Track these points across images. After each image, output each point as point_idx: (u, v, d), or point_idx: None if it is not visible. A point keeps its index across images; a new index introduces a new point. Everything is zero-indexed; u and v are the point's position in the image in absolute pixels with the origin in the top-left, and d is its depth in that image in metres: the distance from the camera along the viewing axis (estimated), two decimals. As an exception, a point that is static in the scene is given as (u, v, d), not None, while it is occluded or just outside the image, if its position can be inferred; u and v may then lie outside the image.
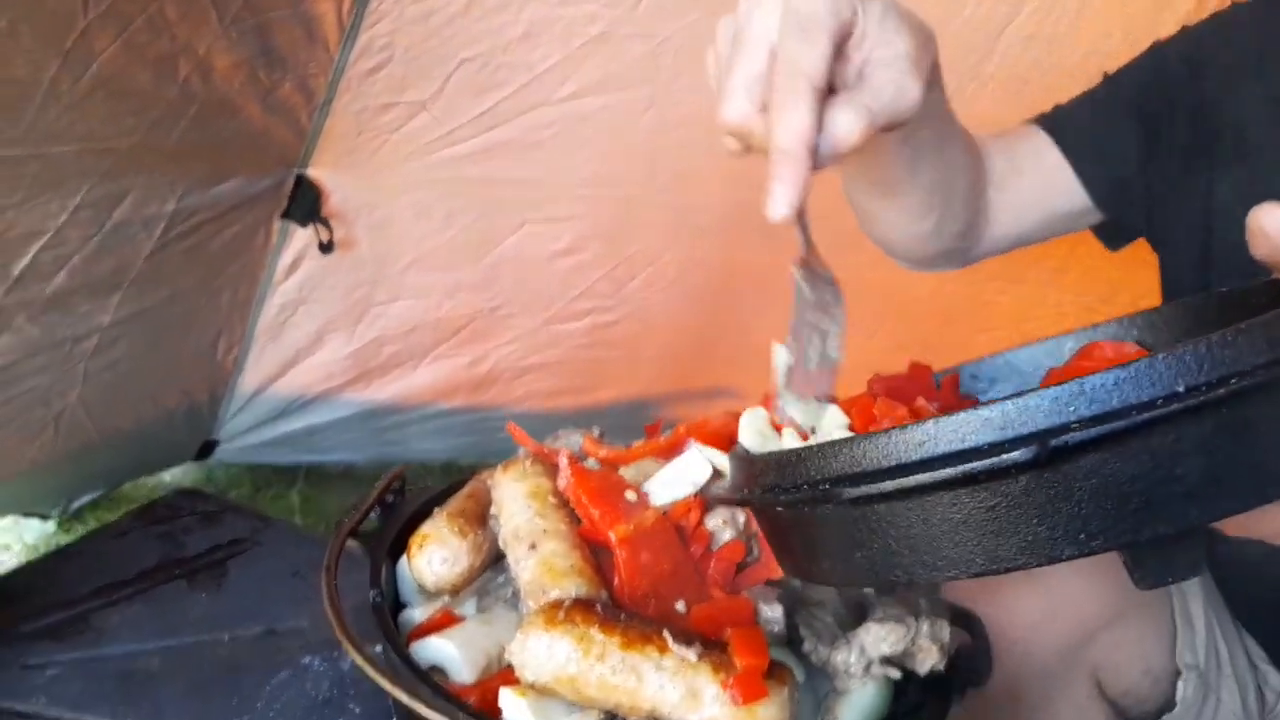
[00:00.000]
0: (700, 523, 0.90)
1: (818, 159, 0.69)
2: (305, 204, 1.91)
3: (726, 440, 0.95)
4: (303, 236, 1.98)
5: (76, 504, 2.33)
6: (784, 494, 0.60)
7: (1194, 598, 1.23)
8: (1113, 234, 1.27)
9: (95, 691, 1.24)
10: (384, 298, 2.13)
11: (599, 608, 0.77)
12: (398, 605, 0.94)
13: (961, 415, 0.50)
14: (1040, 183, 1.21)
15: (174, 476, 2.53)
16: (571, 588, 0.81)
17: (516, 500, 0.90)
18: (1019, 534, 0.51)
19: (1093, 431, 0.48)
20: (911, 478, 0.52)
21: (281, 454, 2.48)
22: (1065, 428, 0.48)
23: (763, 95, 0.70)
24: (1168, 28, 1.38)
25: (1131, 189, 1.20)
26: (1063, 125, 1.22)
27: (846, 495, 0.55)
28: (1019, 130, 1.24)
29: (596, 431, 1.06)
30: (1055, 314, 2.24)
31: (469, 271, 2.12)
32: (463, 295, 2.16)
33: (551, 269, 2.14)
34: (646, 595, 0.85)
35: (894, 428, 0.52)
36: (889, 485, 0.53)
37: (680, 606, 0.85)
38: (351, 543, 0.94)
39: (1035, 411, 0.49)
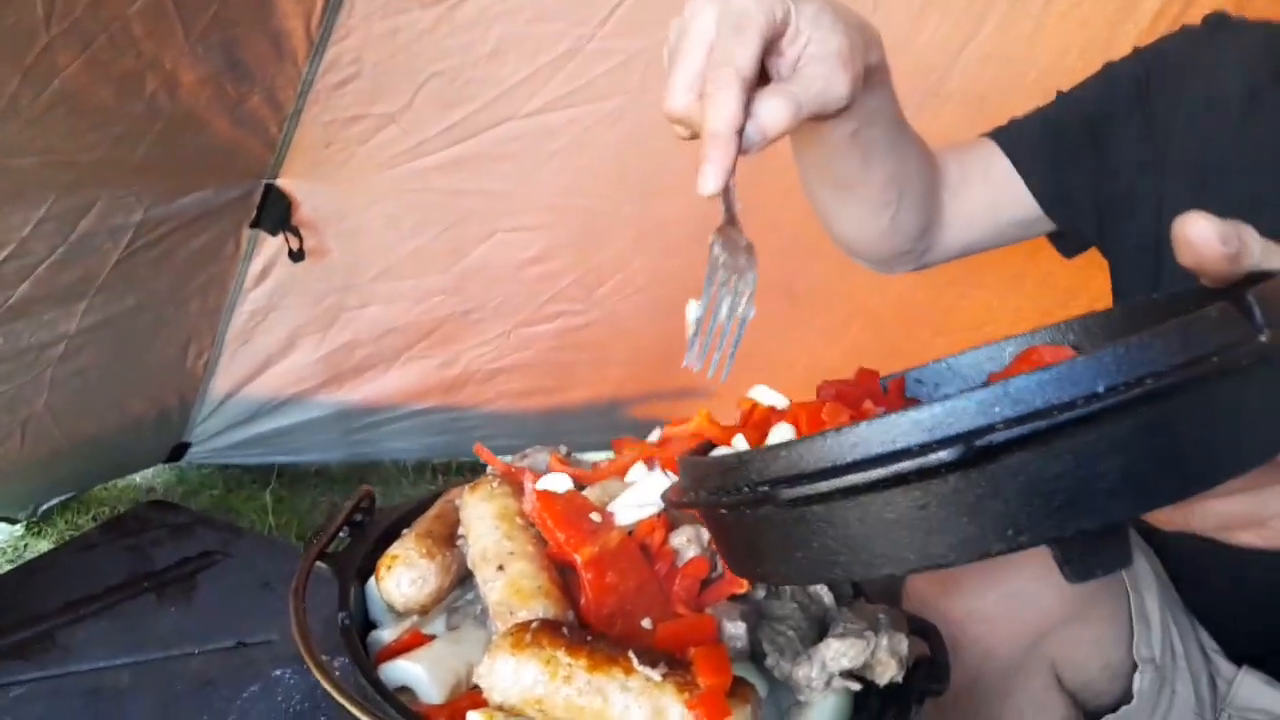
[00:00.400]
0: (665, 541, 0.93)
1: (747, 142, 0.76)
2: (275, 213, 1.91)
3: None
4: (273, 245, 1.98)
5: (45, 507, 2.32)
6: (727, 496, 0.61)
7: (1150, 595, 1.27)
8: (1066, 242, 1.32)
9: (62, 710, 1.23)
10: (355, 304, 2.14)
11: (565, 630, 0.79)
12: (367, 625, 0.96)
13: (892, 418, 0.52)
14: (991, 192, 1.26)
15: (145, 478, 2.53)
16: (539, 608, 0.83)
17: (484, 521, 0.92)
18: (950, 531, 0.52)
19: (1015, 431, 0.49)
20: (845, 478, 0.53)
21: (254, 455, 2.48)
22: (990, 428, 0.50)
23: (701, 88, 0.77)
24: (1123, 46, 1.42)
25: (1080, 200, 1.25)
26: (1015, 138, 1.26)
27: (784, 496, 0.56)
28: (973, 142, 1.29)
29: (563, 450, 1.09)
30: (1014, 318, 2.29)
31: (440, 279, 2.13)
32: (434, 300, 2.17)
33: (522, 276, 2.16)
34: (613, 614, 0.88)
35: (828, 431, 0.54)
36: (824, 486, 0.54)
37: (646, 624, 0.87)
38: (320, 565, 0.95)
39: (962, 413, 0.51)
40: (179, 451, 2.43)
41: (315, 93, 1.71)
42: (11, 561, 2.17)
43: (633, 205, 2.05)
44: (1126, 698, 1.24)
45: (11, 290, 1.65)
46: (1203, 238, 0.59)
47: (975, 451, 0.50)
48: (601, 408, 2.56)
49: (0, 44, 1.31)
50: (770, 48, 0.78)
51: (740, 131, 0.74)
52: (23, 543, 2.27)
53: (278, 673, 1.23)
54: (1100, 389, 0.50)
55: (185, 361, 2.14)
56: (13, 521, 2.30)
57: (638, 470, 1.00)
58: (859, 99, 0.88)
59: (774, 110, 0.76)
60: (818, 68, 0.80)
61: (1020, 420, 0.50)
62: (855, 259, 1.30)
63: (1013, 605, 1.20)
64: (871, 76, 0.91)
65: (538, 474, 1.02)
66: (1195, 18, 1.26)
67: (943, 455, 0.50)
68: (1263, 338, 0.53)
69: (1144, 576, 1.29)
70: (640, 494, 0.95)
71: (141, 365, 2.06)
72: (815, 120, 0.85)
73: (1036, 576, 1.19)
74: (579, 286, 2.23)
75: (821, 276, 2.18)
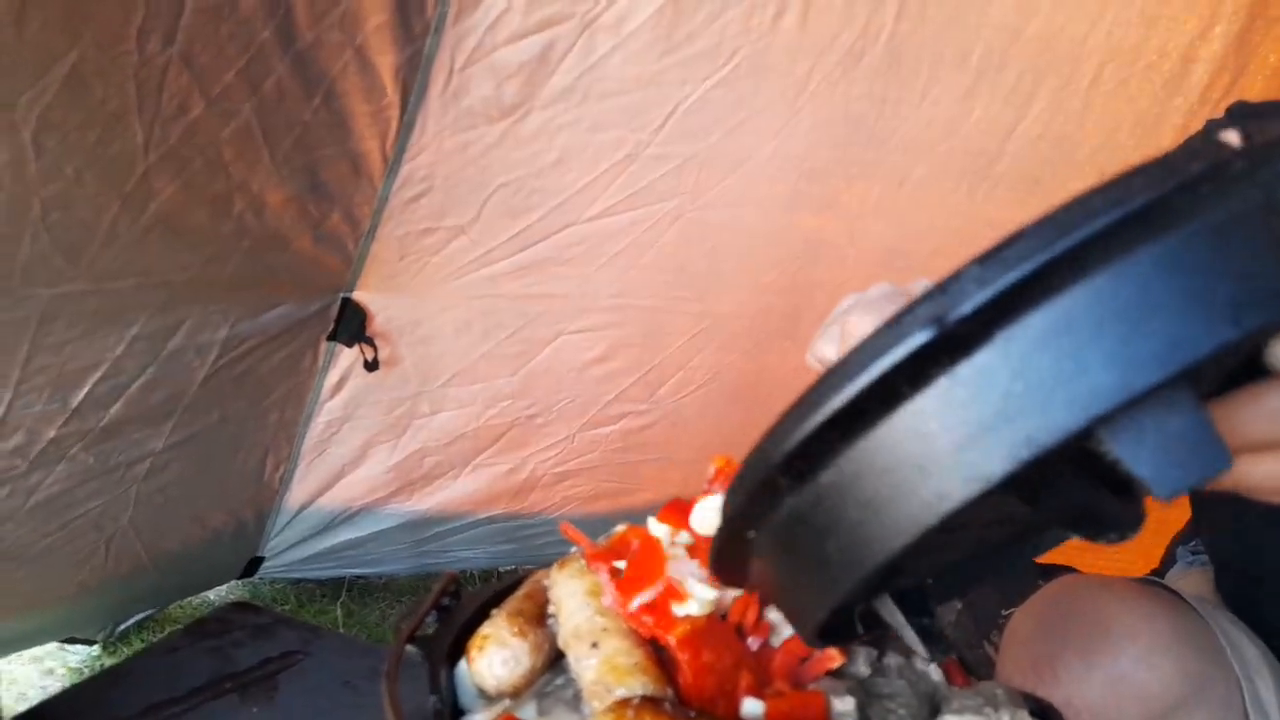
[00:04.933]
0: (760, 616, 0.91)
1: None
2: (351, 325, 1.98)
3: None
4: (348, 356, 2.05)
5: (122, 627, 2.34)
6: (746, 505, 0.56)
7: (1263, 682, 1.20)
8: None
9: (151, 815, 1.22)
10: (426, 410, 2.18)
11: (668, 705, 0.78)
12: (456, 711, 0.94)
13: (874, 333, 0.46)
14: None
15: (219, 595, 2.54)
16: (637, 686, 0.81)
17: (575, 598, 0.91)
18: (986, 440, 0.43)
19: (999, 285, 0.43)
20: (828, 406, 0.46)
21: (325, 568, 2.49)
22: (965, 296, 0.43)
23: None
24: (1175, 118, 1.44)
25: None
26: None
27: (786, 453, 0.50)
28: None
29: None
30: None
31: (507, 383, 2.17)
32: (501, 405, 2.21)
33: (586, 376, 2.20)
34: (715, 695, 0.85)
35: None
36: (820, 418, 0.47)
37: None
38: (410, 648, 0.95)
39: (944, 298, 0.44)
40: (253, 567, 2.45)
41: (390, 209, 1.80)
42: (91, 682, 2.18)
43: (690, 302, 2.10)
44: None
45: (105, 411, 1.72)
46: None
47: (956, 323, 0.43)
48: (668, 508, 2.54)
49: (104, 173, 1.41)
50: None
51: None
52: (99, 663, 2.28)
53: (363, 772, 1.21)
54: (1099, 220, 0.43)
55: (263, 474, 2.18)
56: (90, 643, 2.32)
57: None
58: None
59: None
60: None
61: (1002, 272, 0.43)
62: None
63: (1115, 693, 1.13)
64: None
65: (611, 566, 0.99)
66: (1244, 90, 1.29)
67: (917, 339, 0.44)
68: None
69: (1255, 663, 1.22)
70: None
71: (222, 479, 2.10)
72: None
73: (1140, 659, 1.13)
74: (641, 386, 2.26)
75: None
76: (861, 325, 0.72)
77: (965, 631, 1.00)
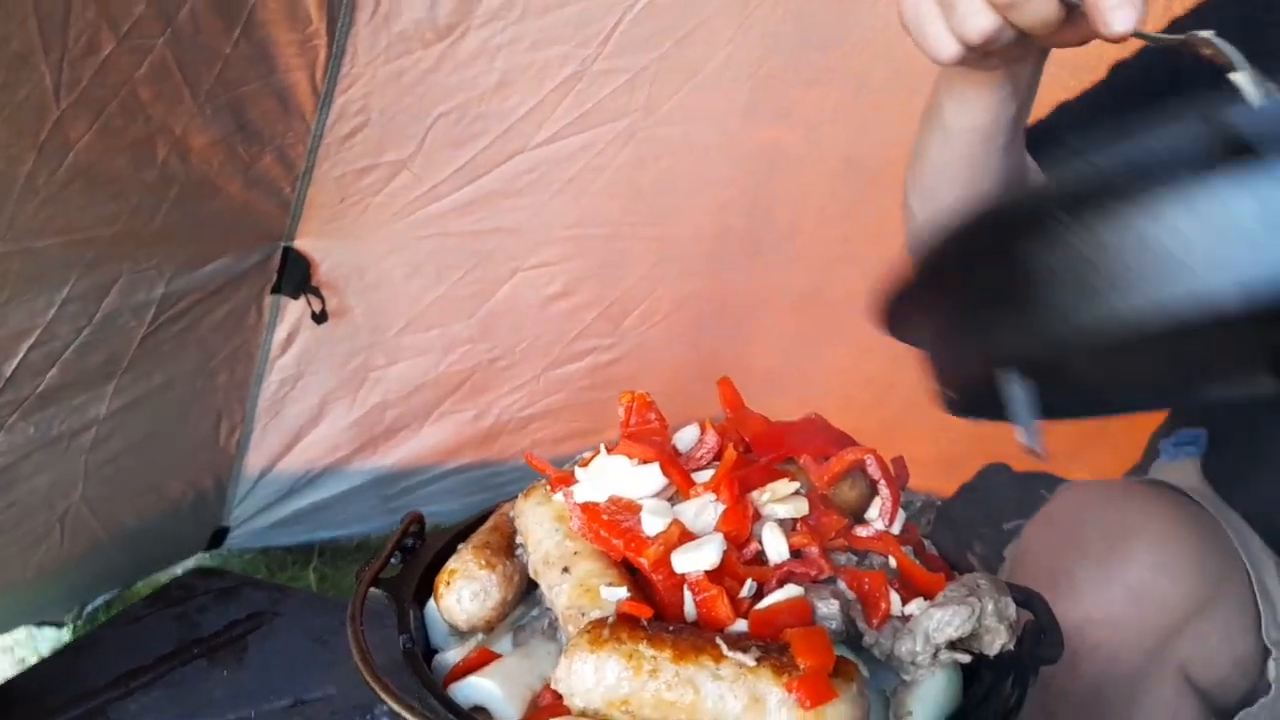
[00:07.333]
0: (749, 537, 0.86)
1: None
2: (295, 276, 1.90)
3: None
4: (296, 309, 1.96)
5: (90, 607, 2.27)
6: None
7: (1269, 573, 1.17)
8: None
9: (121, 786, 1.18)
10: (382, 361, 2.11)
11: (644, 622, 0.73)
12: (429, 651, 0.90)
13: None
14: None
15: (186, 569, 2.47)
16: (611, 606, 0.77)
17: (543, 525, 0.86)
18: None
19: None
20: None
21: (294, 533, 2.43)
22: None
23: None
24: (1160, 24, 1.35)
25: None
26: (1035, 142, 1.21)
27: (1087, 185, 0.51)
28: None
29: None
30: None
31: (465, 326, 2.10)
32: (461, 350, 2.14)
33: (547, 314, 2.13)
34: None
35: None
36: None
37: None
38: (375, 591, 0.90)
39: None
40: (219, 538, 2.39)
41: (325, 147, 1.71)
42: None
43: (649, 228, 2.03)
44: (1262, 687, 1.13)
45: (40, 378, 1.63)
46: None
47: None
48: (640, 445, 2.50)
49: (13, 120, 1.31)
50: None
51: None
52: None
53: (339, 727, 1.17)
54: None
55: (218, 440, 2.10)
56: (59, 625, 2.25)
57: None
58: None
59: None
60: None
61: None
62: None
63: (1135, 605, 1.09)
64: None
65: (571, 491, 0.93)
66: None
67: None
68: None
69: (1259, 554, 1.19)
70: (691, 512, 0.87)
71: (174, 446, 2.02)
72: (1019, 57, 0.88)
73: (1161, 568, 1.09)
74: (605, 320, 2.20)
75: (851, 281, 2.14)
76: None
77: (944, 541, 0.99)
